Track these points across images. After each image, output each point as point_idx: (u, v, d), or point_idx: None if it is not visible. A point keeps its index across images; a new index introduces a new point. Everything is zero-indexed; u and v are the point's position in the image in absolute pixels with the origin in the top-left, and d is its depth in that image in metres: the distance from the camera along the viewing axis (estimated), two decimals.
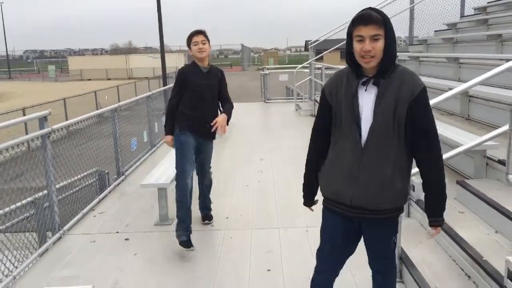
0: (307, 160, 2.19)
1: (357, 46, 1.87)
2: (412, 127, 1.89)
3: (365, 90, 1.92)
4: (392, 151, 1.90)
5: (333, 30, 12.17)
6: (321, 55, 14.07)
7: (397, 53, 9.20)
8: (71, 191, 4.66)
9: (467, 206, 3.27)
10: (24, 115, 14.07)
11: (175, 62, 35.22)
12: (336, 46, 13.11)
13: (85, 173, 5.18)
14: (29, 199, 3.89)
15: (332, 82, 2.04)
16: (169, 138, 3.76)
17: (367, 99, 1.91)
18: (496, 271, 2.34)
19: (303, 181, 2.24)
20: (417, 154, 1.96)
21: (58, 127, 3.93)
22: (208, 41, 3.70)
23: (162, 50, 18.74)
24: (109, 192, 5.21)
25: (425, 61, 8.61)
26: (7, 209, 3.57)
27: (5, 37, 67.87)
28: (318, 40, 13.39)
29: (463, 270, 2.69)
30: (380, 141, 1.89)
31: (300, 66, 13.64)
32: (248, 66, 62.16)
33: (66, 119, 14.44)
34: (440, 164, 1.96)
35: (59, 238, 3.88)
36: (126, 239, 3.87)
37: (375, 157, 1.90)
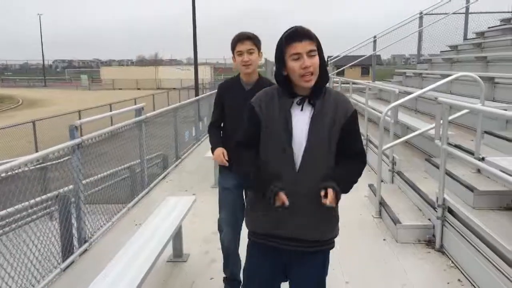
0: (247, 174, 1.88)
1: (294, 65, 1.74)
2: (343, 147, 1.83)
3: (301, 110, 1.81)
4: (326, 173, 1.79)
5: (354, 46, 13.70)
6: (340, 69, 15.62)
7: (405, 70, 11.00)
8: (150, 165, 6.36)
9: (430, 174, 4.78)
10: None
11: (202, 75, 37.34)
12: (354, 62, 14.69)
13: (153, 155, 6.89)
14: (126, 165, 5.59)
15: (262, 98, 1.89)
16: (219, 150, 2.83)
17: (301, 119, 1.80)
18: (434, 202, 3.87)
19: (255, 184, 1.88)
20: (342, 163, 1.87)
21: (150, 115, 5.66)
22: (258, 49, 2.81)
23: (196, 62, 20.66)
24: (172, 168, 6.93)
25: (427, 77, 10.08)
26: (117, 168, 5.28)
27: (42, 48, 71.88)
28: (338, 56, 14.97)
29: (417, 207, 4.24)
30: (315, 164, 1.79)
31: None
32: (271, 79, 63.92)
33: (111, 123, 16.37)
34: (358, 173, 1.90)
35: (147, 192, 5.57)
36: (193, 194, 5.50)
37: (309, 180, 1.77)
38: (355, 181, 1.88)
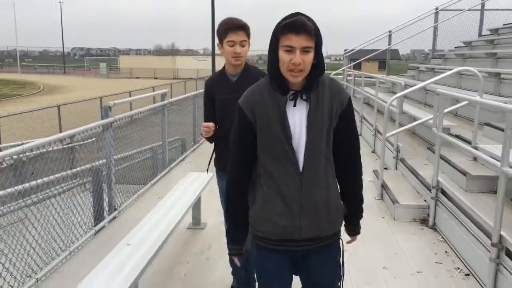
0: (229, 200, 1.88)
1: (284, 57, 1.64)
2: (339, 137, 1.80)
3: (294, 106, 1.73)
4: (328, 169, 1.78)
5: (369, 40, 13.95)
6: (355, 62, 15.86)
7: (418, 65, 11.31)
8: (170, 147, 6.83)
9: (431, 161, 5.13)
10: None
11: (218, 65, 37.75)
12: (368, 56, 14.93)
13: (172, 138, 7.36)
14: (147, 146, 6.06)
15: (252, 100, 1.77)
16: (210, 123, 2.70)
17: (297, 116, 1.72)
18: (429, 184, 4.24)
19: (227, 226, 1.95)
20: (341, 163, 1.85)
21: (173, 100, 6.12)
22: (249, 40, 2.66)
23: (213, 53, 21.08)
24: (190, 151, 7.40)
25: (439, 72, 10.31)
26: (141, 149, 5.76)
27: (62, 36, 73.12)
28: (353, 50, 15.23)
29: (416, 190, 4.61)
30: (317, 160, 1.74)
31: (334, 72, 15.41)
32: None
33: (131, 108, 16.97)
34: (360, 174, 1.92)
35: (167, 172, 6.04)
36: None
37: (315, 179, 1.74)
38: (363, 198, 1.97)
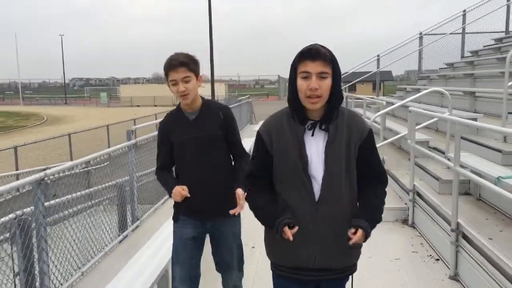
0: (256, 208, 1.86)
1: (302, 84, 1.69)
2: (362, 170, 1.80)
3: (312, 135, 1.75)
4: (347, 200, 1.77)
5: (359, 64, 14.84)
6: (348, 84, 16.68)
7: (405, 86, 12.28)
8: None
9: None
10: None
11: (217, 91, 38.77)
12: (360, 79, 15.78)
13: None
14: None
15: (270, 127, 1.81)
16: (177, 188, 2.39)
17: (315, 146, 1.75)
18: (408, 189, 4.92)
19: (265, 221, 1.85)
20: (363, 195, 1.84)
21: None
22: (196, 74, 2.45)
23: (212, 79, 22.01)
24: None
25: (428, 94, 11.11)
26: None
27: (63, 67, 74.76)
28: (347, 72, 16.08)
29: (398, 195, 5.29)
30: (334, 190, 1.74)
31: None
32: (284, 95, 65.55)
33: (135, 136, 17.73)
34: (381, 203, 1.88)
35: None
36: None
37: (331, 209, 1.74)
38: (382, 211, 1.87)
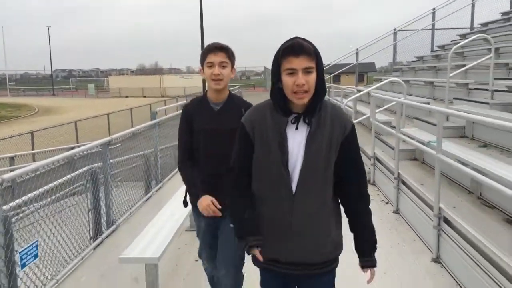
0: (235, 202, 1.88)
1: (288, 80, 1.67)
2: (343, 164, 1.79)
3: (296, 129, 1.75)
4: (325, 194, 1.77)
5: (340, 58, 16.21)
6: (331, 75, 18.01)
7: (381, 77, 13.87)
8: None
9: (376, 144, 7.24)
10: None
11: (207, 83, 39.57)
12: (341, 70, 17.13)
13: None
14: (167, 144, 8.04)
15: (254, 118, 1.81)
16: (206, 199, 2.36)
17: (297, 139, 1.74)
18: (370, 156, 6.32)
19: (238, 226, 1.87)
20: (345, 190, 1.84)
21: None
22: (232, 63, 2.50)
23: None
24: None
25: (395, 83, 12.54)
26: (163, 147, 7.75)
27: (51, 58, 74.60)
28: (329, 64, 17.39)
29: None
30: (312, 185, 1.74)
31: None
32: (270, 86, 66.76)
33: (132, 125, 18.83)
34: (365, 202, 1.86)
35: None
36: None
37: (308, 203, 1.74)
38: (373, 232, 1.89)
